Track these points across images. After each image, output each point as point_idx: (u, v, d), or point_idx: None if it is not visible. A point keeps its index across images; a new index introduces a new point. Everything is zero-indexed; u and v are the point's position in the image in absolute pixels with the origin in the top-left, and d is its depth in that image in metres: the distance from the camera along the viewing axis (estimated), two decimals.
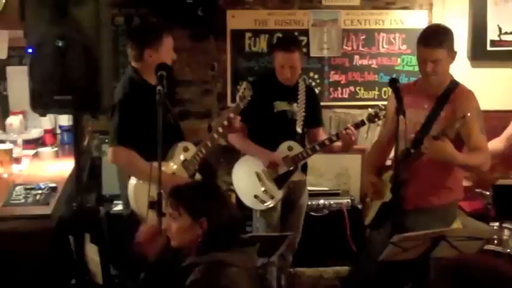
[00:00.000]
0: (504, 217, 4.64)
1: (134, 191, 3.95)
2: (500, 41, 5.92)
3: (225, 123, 4.16)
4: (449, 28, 4.02)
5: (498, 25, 5.88)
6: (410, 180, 3.84)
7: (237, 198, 4.79)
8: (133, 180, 3.93)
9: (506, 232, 4.67)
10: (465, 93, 3.97)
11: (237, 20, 5.78)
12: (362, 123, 4.46)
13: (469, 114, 3.64)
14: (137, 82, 4.01)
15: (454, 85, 3.99)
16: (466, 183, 5.04)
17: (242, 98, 4.20)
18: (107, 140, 5.35)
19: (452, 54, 3.92)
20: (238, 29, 5.82)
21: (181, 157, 4.08)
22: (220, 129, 4.16)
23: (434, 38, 3.85)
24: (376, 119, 4.40)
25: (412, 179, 3.86)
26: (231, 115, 4.17)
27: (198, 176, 4.15)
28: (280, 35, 5.76)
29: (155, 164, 3.65)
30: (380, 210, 4.14)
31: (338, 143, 4.54)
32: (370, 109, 4.46)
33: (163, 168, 3.74)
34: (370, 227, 4.32)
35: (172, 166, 4.03)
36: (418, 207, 3.94)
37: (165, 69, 3.65)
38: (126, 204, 4.08)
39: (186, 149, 4.09)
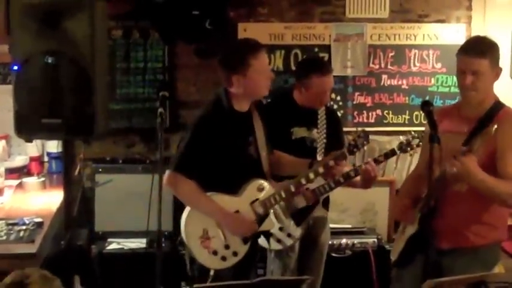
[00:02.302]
0: None
1: (185, 222, 3.97)
2: None
3: (331, 163, 4.10)
4: (495, 41, 4.02)
5: None
6: (444, 213, 3.83)
7: None
8: (186, 212, 3.96)
9: None
10: (510, 116, 3.94)
11: (250, 33, 5.80)
12: (392, 153, 4.45)
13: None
14: (222, 106, 4.00)
15: (499, 106, 3.96)
16: (509, 221, 5.04)
17: (353, 147, 4.18)
18: (100, 170, 5.39)
19: (496, 70, 3.91)
20: None
21: (253, 196, 4.08)
22: (321, 170, 4.12)
23: (477, 47, 3.86)
24: (409, 148, 4.40)
25: (447, 211, 3.85)
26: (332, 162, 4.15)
27: (268, 222, 4.11)
28: (298, 51, 5.81)
29: (220, 196, 3.83)
30: (408, 243, 4.11)
31: (356, 179, 4.55)
32: (401, 137, 4.45)
33: (226, 203, 3.87)
34: (395, 264, 4.29)
35: (238, 203, 4.01)
36: (453, 246, 3.89)
37: (167, 89, 3.68)
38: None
39: (260, 189, 4.07)
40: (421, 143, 4.35)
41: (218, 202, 3.87)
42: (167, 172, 3.86)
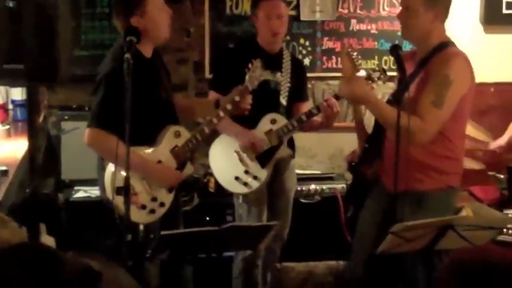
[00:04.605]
0: None
1: (112, 178, 3.92)
2: None
3: (237, 98, 4.12)
4: None
5: None
6: (386, 158, 3.89)
7: (217, 183, 4.80)
8: (112, 167, 3.91)
9: None
10: (447, 56, 3.85)
11: None
12: None
13: None
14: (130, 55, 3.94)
15: (441, 47, 3.90)
16: (477, 165, 5.09)
17: (253, 79, 4.16)
18: (66, 117, 5.34)
19: (435, 12, 3.82)
20: None
21: (171, 143, 4.05)
22: (229, 106, 4.13)
23: None
24: (370, 82, 4.34)
25: (387, 156, 3.90)
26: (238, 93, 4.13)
27: (188, 167, 4.14)
28: None
29: (139, 150, 3.77)
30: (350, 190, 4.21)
31: (318, 118, 4.55)
32: (362, 71, 4.25)
33: (148, 155, 3.85)
34: (347, 199, 4.35)
35: (159, 153, 4.01)
36: (401, 190, 3.71)
37: (135, 33, 3.63)
38: (103, 190, 4.05)
39: (177, 134, 4.04)
40: (382, 76, 4.35)
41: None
42: (86, 130, 3.84)
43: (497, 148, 5.34)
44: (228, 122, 4.49)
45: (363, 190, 4.20)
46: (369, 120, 4.25)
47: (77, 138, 5.20)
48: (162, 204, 3.95)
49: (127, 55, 3.46)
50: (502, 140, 5.39)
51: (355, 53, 4.01)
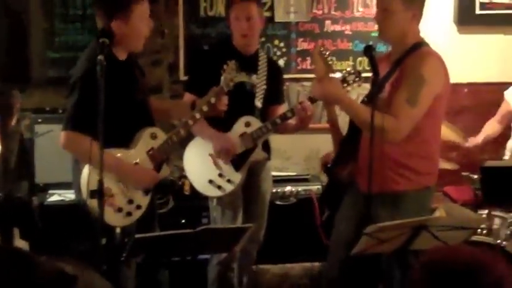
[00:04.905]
0: (494, 204, 4.69)
1: (89, 180, 3.89)
2: (491, 3, 5.98)
3: (213, 100, 4.11)
4: None
5: None
6: (361, 159, 3.91)
7: (192, 186, 4.79)
8: (87, 169, 3.89)
9: (496, 221, 4.73)
10: (421, 55, 3.87)
11: None
12: None
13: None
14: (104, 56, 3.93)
15: (416, 47, 3.92)
16: (450, 166, 5.12)
17: (228, 80, 4.15)
18: (40, 120, 5.31)
19: (413, 11, 3.85)
20: None
21: (148, 145, 4.04)
22: (205, 108, 4.12)
23: None
24: (345, 85, 4.32)
25: (362, 157, 3.92)
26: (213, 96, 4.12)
27: (164, 169, 4.14)
28: None
29: (115, 152, 3.77)
30: (330, 182, 4.22)
31: (292, 121, 4.57)
32: (337, 73, 4.34)
33: (125, 157, 3.85)
34: (322, 200, 4.36)
35: (135, 155, 4.00)
36: (376, 191, 3.76)
37: (107, 36, 3.63)
38: (79, 193, 4.03)
39: (154, 136, 4.03)
40: (357, 79, 4.37)
41: None
42: (62, 133, 3.83)
43: (474, 146, 5.39)
44: (202, 125, 4.48)
45: (338, 192, 4.21)
46: (344, 122, 4.26)
47: (51, 141, 5.19)
48: (138, 207, 3.94)
49: (100, 57, 3.46)
50: (478, 139, 5.44)
51: (327, 52, 4.01)
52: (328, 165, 4.26)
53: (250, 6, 4.59)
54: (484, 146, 5.46)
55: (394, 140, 3.78)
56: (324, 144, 5.05)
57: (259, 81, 4.70)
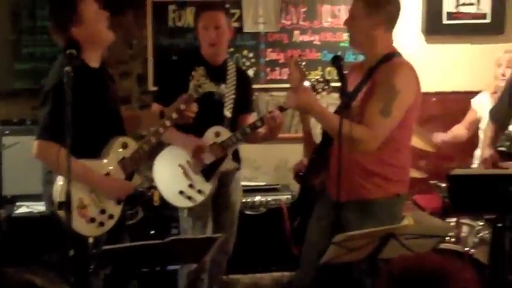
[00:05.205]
0: (462, 212, 4.69)
1: (61, 191, 3.87)
2: (458, 13, 6.05)
3: (182, 107, 4.08)
4: None
5: None
6: (331, 167, 3.94)
7: (161, 196, 4.78)
8: (60, 181, 3.87)
9: (464, 229, 4.77)
10: (393, 66, 3.88)
11: None
12: None
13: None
14: (74, 65, 3.91)
15: (389, 57, 3.92)
16: (419, 174, 5.16)
17: (197, 87, 4.15)
18: (7, 132, 5.29)
19: (377, 19, 3.89)
20: (160, 1, 5.81)
21: (119, 155, 4.03)
22: (175, 115, 4.11)
23: None
24: (314, 93, 4.30)
25: (332, 165, 3.95)
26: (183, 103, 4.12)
27: (136, 178, 4.13)
28: None
29: (87, 162, 3.73)
30: (302, 190, 4.24)
31: (262, 130, 4.58)
32: (306, 82, 4.21)
33: (96, 167, 3.82)
34: (294, 208, 4.38)
35: (107, 165, 3.98)
36: (346, 199, 3.81)
37: (74, 46, 3.62)
38: (51, 204, 4.00)
39: (125, 145, 4.00)
40: (326, 87, 4.39)
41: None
42: (35, 142, 3.81)
43: (441, 142, 5.44)
44: (172, 132, 4.48)
45: (310, 200, 4.23)
46: (317, 130, 4.29)
47: (19, 153, 5.17)
48: (111, 217, 3.92)
49: (67, 68, 3.45)
50: (446, 136, 5.51)
51: (303, 63, 4.03)
52: (301, 174, 4.28)
53: (219, 15, 4.62)
54: (451, 146, 5.54)
55: (367, 149, 3.80)
56: (293, 154, 5.09)
57: (228, 90, 4.70)
